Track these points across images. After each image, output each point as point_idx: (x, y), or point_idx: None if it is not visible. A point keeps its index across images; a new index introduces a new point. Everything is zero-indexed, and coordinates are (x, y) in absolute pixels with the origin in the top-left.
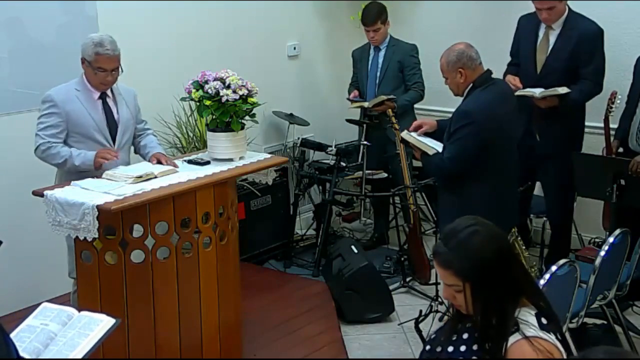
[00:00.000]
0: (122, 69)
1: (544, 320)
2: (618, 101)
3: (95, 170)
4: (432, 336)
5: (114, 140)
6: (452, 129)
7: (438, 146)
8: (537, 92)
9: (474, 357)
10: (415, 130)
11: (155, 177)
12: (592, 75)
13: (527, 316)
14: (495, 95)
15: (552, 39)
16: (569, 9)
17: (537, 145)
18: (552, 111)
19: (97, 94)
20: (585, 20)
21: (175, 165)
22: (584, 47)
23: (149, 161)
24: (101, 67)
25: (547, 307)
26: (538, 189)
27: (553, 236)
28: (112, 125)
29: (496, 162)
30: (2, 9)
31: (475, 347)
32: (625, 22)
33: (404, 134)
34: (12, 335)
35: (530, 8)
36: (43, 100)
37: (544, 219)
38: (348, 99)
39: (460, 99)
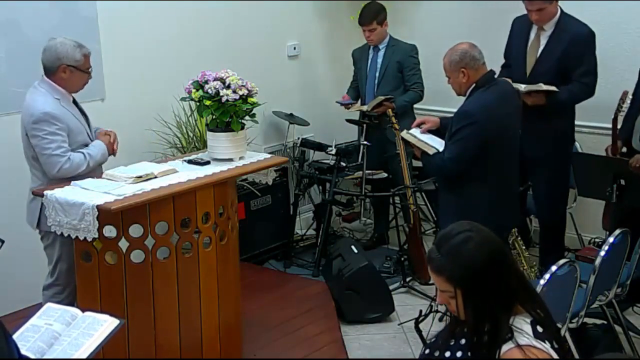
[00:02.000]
0: None
1: (539, 328)
2: (629, 101)
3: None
4: (432, 339)
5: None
6: (454, 129)
7: (440, 143)
8: (522, 86)
9: None
10: (418, 126)
11: (155, 177)
12: (582, 77)
13: (522, 324)
14: (497, 95)
15: (544, 41)
16: (561, 10)
17: (525, 147)
18: (537, 111)
19: (71, 98)
20: (577, 23)
21: (112, 137)
22: (574, 49)
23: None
24: (89, 67)
25: (545, 315)
26: None
27: (544, 237)
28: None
29: (497, 163)
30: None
31: (470, 353)
32: (625, 22)
33: (404, 133)
34: (16, 335)
35: None
36: (41, 120)
37: None
38: (337, 102)
39: (460, 100)
